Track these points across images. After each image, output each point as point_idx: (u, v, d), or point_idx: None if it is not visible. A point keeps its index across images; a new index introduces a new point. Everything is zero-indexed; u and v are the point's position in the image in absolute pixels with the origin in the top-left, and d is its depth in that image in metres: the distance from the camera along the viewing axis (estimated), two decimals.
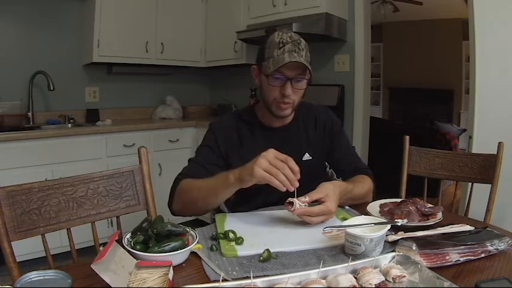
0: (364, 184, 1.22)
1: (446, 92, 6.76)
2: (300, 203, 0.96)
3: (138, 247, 0.79)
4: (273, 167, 0.92)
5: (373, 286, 0.66)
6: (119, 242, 0.79)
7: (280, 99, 1.17)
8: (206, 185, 1.07)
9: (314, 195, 0.99)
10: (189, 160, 1.25)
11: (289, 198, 0.96)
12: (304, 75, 1.16)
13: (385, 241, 0.84)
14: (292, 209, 0.96)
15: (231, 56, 3.30)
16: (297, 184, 0.94)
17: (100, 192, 1.13)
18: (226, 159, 1.24)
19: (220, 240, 0.90)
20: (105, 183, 1.14)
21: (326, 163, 1.39)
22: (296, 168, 0.94)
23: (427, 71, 6.84)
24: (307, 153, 1.29)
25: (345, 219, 0.98)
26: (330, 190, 1.01)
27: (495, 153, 1.44)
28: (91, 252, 1.04)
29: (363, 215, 0.96)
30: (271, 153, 0.95)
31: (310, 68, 1.14)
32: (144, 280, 0.65)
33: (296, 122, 1.31)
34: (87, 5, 3.00)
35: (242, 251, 0.85)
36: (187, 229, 0.86)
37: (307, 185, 0.99)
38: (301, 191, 0.97)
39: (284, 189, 0.93)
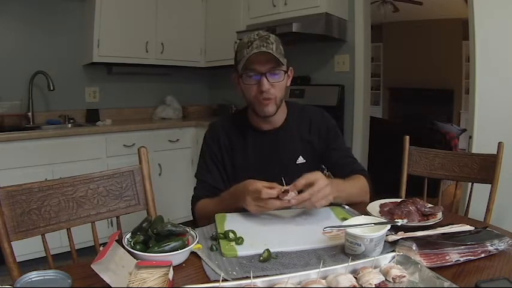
0: (356, 182, 1.21)
1: (446, 92, 6.76)
2: (293, 193, 0.96)
3: (138, 247, 0.79)
4: (259, 201, 0.98)
5: (373, 286, 0.66)
6: (119, 242, 0.79)
7: (260, 95, 1.16)
8: (220, 202, 1.15)
9: (301, 181, 0.98)
10: (196, 177, 1.30)
11: (283, 187, 0.97)
12: (278, 67, 1.15)
13: (385, 241, 0.84)
14: (287, 199, 0.96)
15: (231, 56, 3.25)
16: (285, 191, 0.96)
17: (100, 192, 1.13)
18: (223, 165, 1.28)
19: (220, 240, 0.90)
20: (105, 183, 1.14)
21: (323, 165, 1.37)
22: (273, 191, 0.96)
23: (427, 71, 6.84)
24: (301, 157, 1.28)
25: (345, 219, 0.98)
26: (318, 174, 1.00)
27: (495, 153, 1.44)
28: (91, 252, 1.04)
29: (363, 215, 0.96)
30: (249, 187, 0.99)
31: (280, 59, 1.13)
32: (144, 280, 0.65)
33: (288, 125, 1.29)
34: (87, 5, 3.00)
35: (242, 251, 0.85)
36: (187, 229, 0.86)
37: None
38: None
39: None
